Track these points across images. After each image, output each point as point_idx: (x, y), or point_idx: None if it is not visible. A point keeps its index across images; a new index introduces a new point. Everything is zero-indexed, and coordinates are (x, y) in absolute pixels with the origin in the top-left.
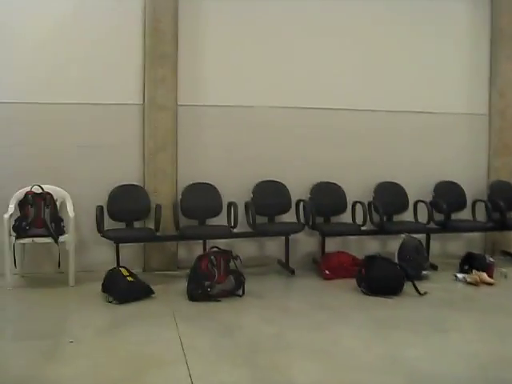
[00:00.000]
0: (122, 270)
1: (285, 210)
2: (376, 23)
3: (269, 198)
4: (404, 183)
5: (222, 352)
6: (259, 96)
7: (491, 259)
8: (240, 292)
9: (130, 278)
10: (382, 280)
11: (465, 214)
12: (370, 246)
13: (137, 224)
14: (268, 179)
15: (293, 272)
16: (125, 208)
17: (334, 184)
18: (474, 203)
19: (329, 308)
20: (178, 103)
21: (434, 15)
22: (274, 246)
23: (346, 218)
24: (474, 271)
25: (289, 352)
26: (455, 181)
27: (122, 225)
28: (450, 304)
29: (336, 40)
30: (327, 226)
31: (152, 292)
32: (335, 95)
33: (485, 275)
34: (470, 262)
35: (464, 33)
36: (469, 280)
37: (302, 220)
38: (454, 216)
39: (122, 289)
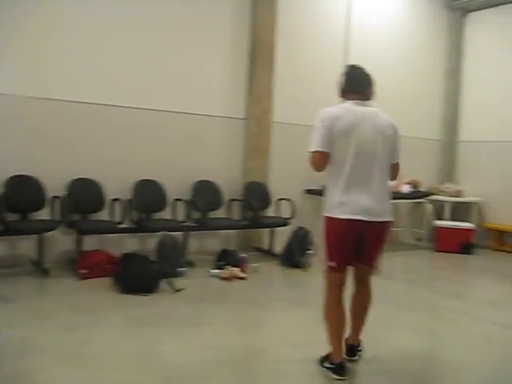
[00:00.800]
0: None
1: (40, 206)
2: (151, 26)
3: (20, 193)
4: (163, 181)
5: None
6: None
7: (243, 255)
8: None
9: None
10: (138, 278)
11: (221, 213)
12: (129, 243)
13: None
14: None
15: (45, 272)
16: None
17: (93, 181)
18: (230, 202)
19: (83, 308)
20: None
21: (200, 22)
22: (27, 245)
23: (105, 215)
24: (227, 267)
25: (38, 357)
26: (213, 180)
27: None
28: (204, 299)
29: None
30: (84, 224)
31: None
32: (116, 91)
33: (237, 270)
34: (224, 258)
35: (226, 41)
36: (223, 275)
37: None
38: (211, 214)
39: None
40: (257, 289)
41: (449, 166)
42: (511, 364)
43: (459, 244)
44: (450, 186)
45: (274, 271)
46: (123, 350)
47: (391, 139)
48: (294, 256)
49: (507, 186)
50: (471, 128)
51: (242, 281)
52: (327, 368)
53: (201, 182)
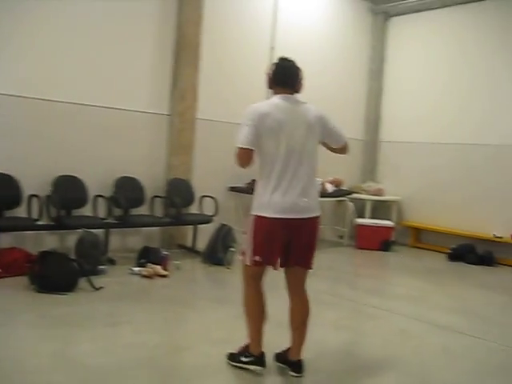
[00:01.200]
0: None
1: None
2: (76, 22)
3: None
4: (84, 177)
5: None
6: None
7: (166, 252)
8: None
9: None
10: (56, 276)
11: (144, 210)
12: (48, 241)
13: None
14: None
15: None
16: None
17: (9, 176)
18: (152, 199)
19: None
20: None
21: (125, 18)
22: None
23: (22, 211)
24: (149, 264)
25: None
26: (136, 177)
27: None
28: (125, 297)
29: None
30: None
31: None
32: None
33: (159, 268)
34: (146, 256)
35: (151, 36)
36: (144, 273)
37: None
38: (133, 211)
39: None
40: (178, 287)
41: (370, 166)
42: (425, 356)
43: (379, 241)
44: (371, 185)
45: (196, 269)
46: (37, 351)
47: (319, 132)
48: (216, 253)
49: (425, 186)
50: (392, 128)
51: (164, 279)
52: (244, 362)
53: (123, 178)
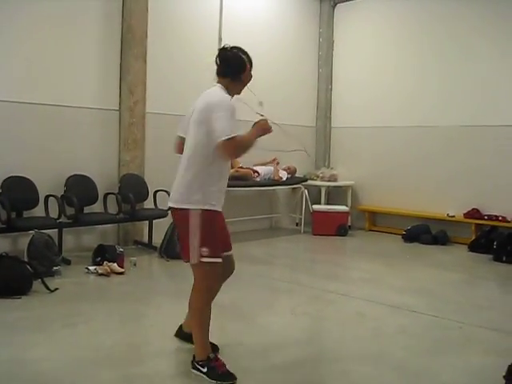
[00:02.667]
0: None
1: None
2: (21, 16)
3: None
4: (34, 177)
5: None
6: None
7: (121, 249)
8: None
9: None
10: (9, 280)
11: (97, 207)
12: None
13: None
14: None
15: None
16: None
17: None
18: (105, 196)
19: None
20: None
21: (69, 10)
22: None
23: None
24: (105, 262)
25: None
26: (87, 174)
27: None
28: (81, 297)
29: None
30: None
31: None
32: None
33: (115, 265)
34: (101, 254)
35: (97, 30)
36: (100, 271)
37: None
38: (86, 209)
39: None
40: (136, 283)
41: (323, 152)
42: (384, 337)
43: (336, 227)
44: (324, 171)
45: (153, 264)
46: None
47: (204, 120)
48: (173, 247)
49: (378, 170)
50: (343, 114)
51: (121, 276)
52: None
53: (74, 176)
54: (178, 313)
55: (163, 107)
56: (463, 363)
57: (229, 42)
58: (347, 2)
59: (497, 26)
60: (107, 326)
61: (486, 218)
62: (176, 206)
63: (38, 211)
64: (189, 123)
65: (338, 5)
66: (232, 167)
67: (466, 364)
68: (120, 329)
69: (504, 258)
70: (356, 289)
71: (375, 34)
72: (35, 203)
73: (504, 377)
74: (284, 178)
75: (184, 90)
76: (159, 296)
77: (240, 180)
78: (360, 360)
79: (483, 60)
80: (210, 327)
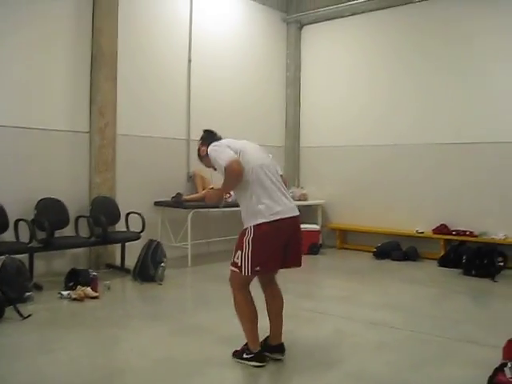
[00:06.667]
0: None
1: None
2: None
3: None
4: (4, 201)
5: None
6: None
7: (94, 273)
8: None
9: None
10: None
11: (68, 231)
12: None
13: None
14: None
15: None
16: None
17: None
18: (77, 219)
19: None
20: None
21: (38, 31)
22: None
23: None
24: (78, 287)
25: None
26: (58, 197)
27: None
28: (56, 323)
29: None
30: None
31: None
32: None
33: (89, 289)
34: (74, 278)
35: (65, 50)
36: (74, 296)
37: None
38: (58, 233)
39: None
40: (111, 307)
41: (293, 171)
42: (362, 353)
43: (307, 245)
44: (295, 191)
45: (127, 287)
46: None
47: None
48: (147, 270)
49: (347, 188)
50: (311, 134)
51: (95, 300)
52: (246, 359)
53: (45, 199)
54: (157, 335)
55: (134, 129)
56: (443, 376)
57: (198, 63)
58: (314, 24)
59: (468, 41)
60: (86, 352)
61: (454, 233)
62: (296, 215)
63: (8, 236)
64: None
65: (305, 27)
66: (203, 189)
67: (445, 377)
68: (100, 354)
69: (473, 272)
70: (332, 306)
71: (343, 54)
72: (5, 227)
73: None
74: None
75: (156, 111)
76: (136, 319)
77: None
78: (338, 376)
79: (454, 76)
80: None
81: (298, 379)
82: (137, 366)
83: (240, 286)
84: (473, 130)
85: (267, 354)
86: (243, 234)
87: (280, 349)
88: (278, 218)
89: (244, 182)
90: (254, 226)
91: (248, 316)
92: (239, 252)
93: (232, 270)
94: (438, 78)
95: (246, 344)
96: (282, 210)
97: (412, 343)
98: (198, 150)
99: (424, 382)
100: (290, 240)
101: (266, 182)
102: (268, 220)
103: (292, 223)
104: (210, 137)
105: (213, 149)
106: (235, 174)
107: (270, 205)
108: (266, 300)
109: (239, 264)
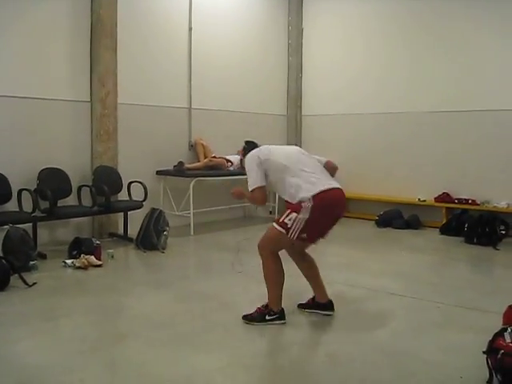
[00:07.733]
0: None
1: None
2: None
3: None
4: (6, 172)
5: None
6: None
7: (98, 242)
8: None
9: None
10: None
11: (71, 200)
12: None
13: None
14: None
15: None
16: None
17: None
18: (79, 188)
19: None
20: None
21: (37, 1)
22: None
23: None
24: (82, 255)
25: None
26: (60, 167)
27: None
28: (60, 291)
29: None
30: None
31: None
32: None
33: (93, 258)
34: (78, 247)
35: (65, 20)
36: (77, 264)
37: None
38: (60, 202)
39: None
40: (114, 275)
41: (295, 140)
42: (364, 319)
43: None
44: None
45: (130, 256)
46: None
47: None
48: (150, 238)
49: (350, 157)
50: (314, 102)
51: (99, 268)
52: (270, 320)
53: (47, 169)
54: (160, 302)
55: (136, 98)
56: (443, 341)
57: (199, 31)
58: None
59: (466, 12)
60: (89, 319)
61: (456, 201)
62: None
63: (12, 206)
64: None
65: None
66: (205, 157)
67: (446, 342)
68: (103, 321)
69: (475, 240)
70: (334, 273)
71: (344, 21)
72: (8, 198)
73: (484, 352)
74: None
75: (157, 80)
76: (139, 287)
77: (213, 169)
78: (343, 341)
79: (450, 46)
80: None
81: (300, 345)
82: (140, 332)
83: (273, 250)
84: (475, 98)
85: (318, 311)
86: (300, 202)
87: (330, 305)
88: (331, 187)
89: (279, 180)
90: (313, 195)
91: (276, 280)
92: (294, 214)
93: (276, 229)
94: (437, 48)
95: (265, 306)
96: (326, 183)
97: (413, 310)
98: (240, 160)
99: (425, 347)
100: (340, 213)
101: (302, 173)
102: (324, 188)
103: (342, 195)
104: (248, 147)
105: (245, 164)
106: (258, 202)
107: (311, 183)
108: (301, 269)
109: (289, 226)
